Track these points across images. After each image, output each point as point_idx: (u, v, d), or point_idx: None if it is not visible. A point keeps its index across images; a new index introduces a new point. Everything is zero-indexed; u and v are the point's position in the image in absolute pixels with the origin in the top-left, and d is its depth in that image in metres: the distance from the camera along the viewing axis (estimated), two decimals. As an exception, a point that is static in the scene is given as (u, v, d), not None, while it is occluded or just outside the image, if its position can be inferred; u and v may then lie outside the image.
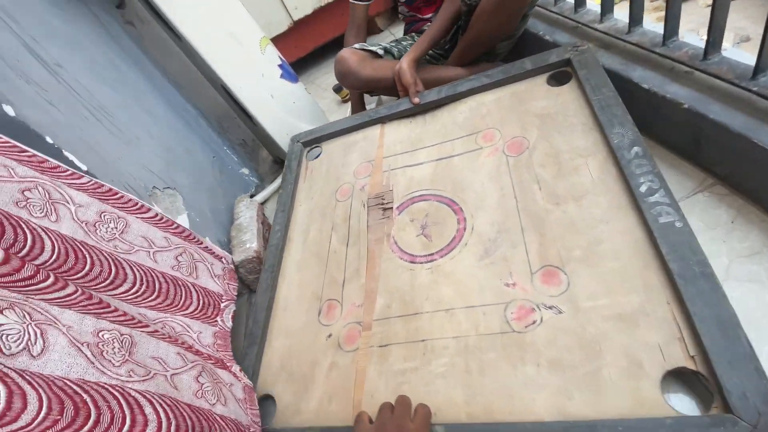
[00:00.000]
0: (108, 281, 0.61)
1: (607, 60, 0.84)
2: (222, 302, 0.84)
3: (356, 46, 1.10)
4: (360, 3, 1.17)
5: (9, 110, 0.66)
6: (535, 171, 0.76)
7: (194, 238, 0.85)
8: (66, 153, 0.72)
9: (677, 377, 0.51)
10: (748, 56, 0.65)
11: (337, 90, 1.62)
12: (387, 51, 1.10)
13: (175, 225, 0.81)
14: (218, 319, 0.80)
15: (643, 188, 0.62)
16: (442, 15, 1.00)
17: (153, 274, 0.70)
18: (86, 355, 0.48)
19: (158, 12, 0.92)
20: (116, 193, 0.72)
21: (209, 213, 1.04)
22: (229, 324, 0.82)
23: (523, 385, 0.56)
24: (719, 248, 0.61)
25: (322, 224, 0.95)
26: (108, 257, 0.63)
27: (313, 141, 1.14)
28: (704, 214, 0.66)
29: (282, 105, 1.17)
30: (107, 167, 0.80)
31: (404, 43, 1.20)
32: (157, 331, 0.60)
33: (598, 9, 0.90)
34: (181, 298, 0.73)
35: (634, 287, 0.57)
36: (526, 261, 0.67)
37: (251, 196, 1.27)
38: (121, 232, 0.69)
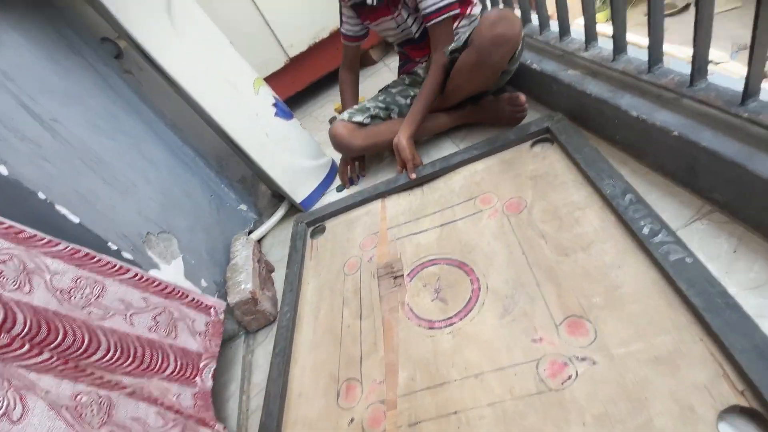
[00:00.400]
0: (81, 350, 0.60)
1: (594, 87, 0.84)
2: (201, 361, 0.81)
3: (344, 116, 1.17)
4: (350, 44, 1.27)
5: (3, 170, 0.67)
6: (538, 227, 0.78)
7: (178, 293, 0.82)
8: (58, 207, 0.71)
9: (732, 415, 0.48)
10: (735, 80, 0.63)
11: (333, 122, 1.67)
12: (374, 117, 1.17)
13: (156, 282, 0.79)
14: (197, 379, 0.78)
15: (645, 230, 0.66)
16: (431, 83, 1.03)
17: (128, 339, 0.68)
18: (66, 419, 0.48)
19: (154, 62, 0.96)
20: (93, 257, 0.70)
21: (205, 254, 1.03)
22: (209, 383, 0.79)
23: (574, 447, 0.50)
24: (723, 280, 0.56)
25: (333, 300, 0.92)
26: (81, 326, 0.62)
27: (316, 221, 1.16)
28: (704, 244, 0.63)
29: (277, 142, 1.19)
30: (101, 218, 0.78)
31: (393, 90, 1.23)
32: (135, 392, 0.59)
33: (582, 37, 0.90)
34: (157, 362, 0.71)
35: (664, 327, 0.56)
36: (548, 314, 0.65)
37: (249, 232, 1.24)
38: (97, 297, 0.68)
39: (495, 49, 0.89)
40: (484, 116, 1.10)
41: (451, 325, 0.72)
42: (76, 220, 0.73)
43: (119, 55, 1.09)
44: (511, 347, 0.64)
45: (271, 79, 1.84)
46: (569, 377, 0.57)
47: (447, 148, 1.14)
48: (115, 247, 0.77)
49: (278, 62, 1.79)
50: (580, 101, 0.88)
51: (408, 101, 1.21)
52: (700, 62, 0.65)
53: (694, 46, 0.63)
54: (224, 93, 1.07)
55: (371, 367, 0.74)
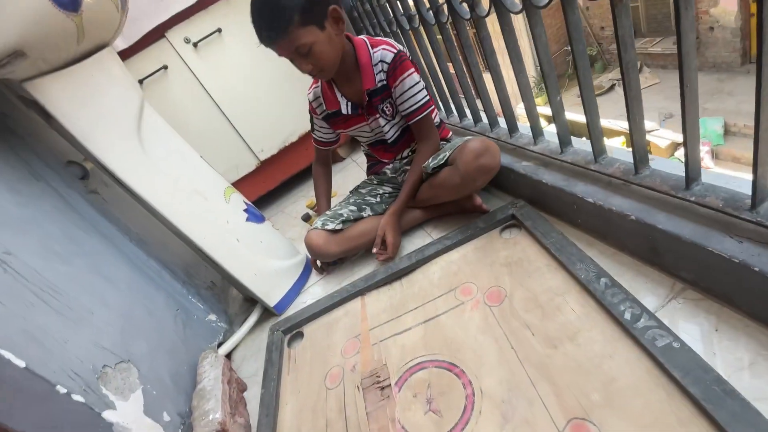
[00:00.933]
0: None
1: (549, 177, 0.89)
2: None
3: (318, 224, 1.18)
4: (323, 148, 1.32)
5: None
6: (521, 317, 0.77)
7: None
8: (2, 352, 0.63)
9: None
10: (677, 165, 0.68)
11: (305, 219, 1.64)
12: (345, 221, 1.19)
13: None
14: None
15: (627, 316, 0.65)
16: (418, 171, 1.10)
17: None
18: None
19: (123, 184, 0.96)
20: None
21: (169, 380, 0.91)
22: None
23: None
24: (712, 362, 0.56)
25: (315, 423, 0.83)
26: None
27: (292, 327, 1.09)
28: (686, 324, 0.63)
29: (248, 247, 1.16)
30: (50, 357, 0.69)
31: (363, 191, 1.28)
32: None
33: (530, 132, 0.97)
34: None
35: (669, 424, 0.53)
36: (549, 419, 0.60)
37: (219, 345, 1.15)
38: None
39: (479, 177, 0.98)
40: (453, 210, 1.15)
41: None
42: (21, 364, 0.64)
43: (85, 177, 1.08)
44: None
45: (244, 181, 1.89)
46: None
47: (421, 237, 1.16)
48: (64, 390, 0.67)
49: (250, 166, 1.86)
50: (539, 189, 0.93)
51: (378, 199, 1.25)
52: (640, 152, 0.71)
53: (632, 139, 0.70)
54: (195, 205, 1.07)
55: None
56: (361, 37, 1.07)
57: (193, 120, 1.71)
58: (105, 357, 0.80)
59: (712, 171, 0.80)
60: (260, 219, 1.26)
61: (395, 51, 1.02)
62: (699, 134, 0.63)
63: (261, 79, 1.74)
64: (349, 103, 1.10)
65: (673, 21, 0.55)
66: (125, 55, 1.53)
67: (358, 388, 0.83)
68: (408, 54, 1.06)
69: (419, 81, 1.05)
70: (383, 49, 1.03)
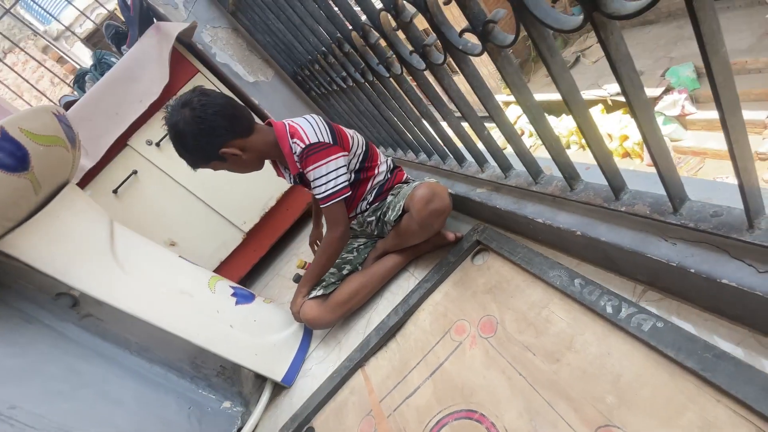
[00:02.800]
0: None
1: (501, 201, 0.94)
2: None
3: (307, 298, 1.22)
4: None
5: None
6: (518, 340, 0.78)
7: None
8: None
9: None
10: (604, 179, 0.68)
11: (296, 280, 1.65)
12: (328, 285, 1.22)
13: None
14: None
15: (609, 309, 0.67)
16: (322, 259, 1.16)
17: None
18: None
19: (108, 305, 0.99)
20: None
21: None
22: None
23: None
24: None
25: None
26: None
27: (301, 425, 1.04)
28: None
29: (244, 330, 1.17)
30: None
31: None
32: None
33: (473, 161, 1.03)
34: None
35: (681, 403, 0.55)
36: None
37: (239, 430, 1.14)
38: None
39: (433, 221, 1.02)
40: (429, 248, 1.18)
41: None
42: None
43: (76, 304, 1.13)
44: None
45: (235, 256, 1.92)
46: None
47: (406, 280, 1.18)
48: None
49: (236, 240, 1.89)
50: (496, 213, 0.97)
51: (355, 253, 1.28)
52: (568, 171, 0.74)
53: (556, 162, 0.73)
54: (183, 306, 1.09)
55: None
56: (284, 122, 1.10)
57: (173, 212, 1.77)
58: (121, 486, 0.82)
59: (639, 173, 0.81)
60: (250, 298, 1.28)
61: (304, 145, 1.04)
62: (607, 148, 0.65)
63: (227, 158, 1.81)
64: (292, 176, 1.17)
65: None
66: (95, 171, 1.60)
67: None
68: (322, 140, 1.05)
69: (326, 173, 1.05)
70: (294, 142, 1.06)
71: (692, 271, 0.55)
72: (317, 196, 1.08)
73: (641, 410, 0.57)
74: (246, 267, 1.97)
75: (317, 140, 1.05)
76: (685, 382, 0.56)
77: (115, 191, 1.65)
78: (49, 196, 0.97)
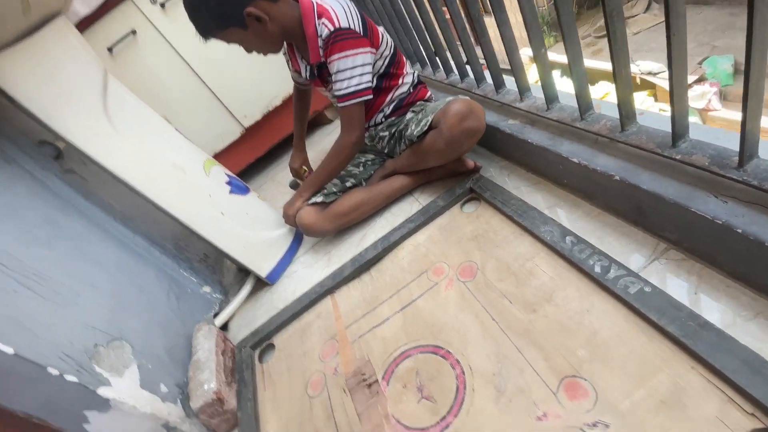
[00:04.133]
0: None
1: (534, 136, 0.87)
2: None
3: (307, 203, 1.16)
4: (296, 85, 1.31)
5: None
6: (497, 287, 0.77)
7: None
8: None
9: None
10: (665, 120, 0.64)
11: (293, 187, 1.61)
12: (328, 194, 1.17)
13: None
14: None
15: (597, 269, 0.66)
16: (329, 165, 1.10)
17: None
18: None
19: (96, 163, 0.93)
20: None
21: (164, 354, 0.93)
22: None
23: None
24: None
25: None
26: None
27: (262, 340, 1.02)
28: (666, 284, 0.62)
29: (234, 220, 1.14)
30: (39, 342, 0.70)
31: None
32: None
33: (517, 88, 0.94)
34: None
35: (655, 365, 0.55)
36: (542, 383, 0.61)
37: (215, 315, 1.16)
38: None
39: (465, 140, 0.93)
40: (444, 174, 1.11)
41: (447, 426, 0.64)
42: (10, 351, 0.65)
43: (59, 156, 1.05)
44: None
45: (229, 150, 1.84)
46: None
47: (409, 203, 1.15)
48: (56, 372, 0.69)
49: (234, 134, 1.79)
50: (524, 149, 0.90)
51: (362, 168, 1.22)
52: (626, 108, 0.67)
53: (617, 95, 0.66)
54: (174, 180, 1.04)
55: None
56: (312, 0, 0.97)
57: (170, 87, 1.64)
58: (96, 337, 0.81)
59: (702, 127, 0.75)
60: (245, 190, 1.23)
61: (332, 29, 0.93)
62: (686, 86, 0.58)
63: (238, 40, 1.65)
64: (308, 67, 1.07)
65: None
66: (89, 21, 1.44)
67: (344, 390, 0.79)
68: (353, 28, 0.94)
69: (352, 66, 0.95)
70: (322, 23, 0.94)
71: (739, 231, 0.52)
72: (336, 92, 0.98)
73: (612, 366, 0.58)
74: (240, 165, 1.90)
75: (348, 26, 0.93)
76: (662, 346, 0.56)
77: (110, 49, 1.50)
78: (39, 23, 0.85)
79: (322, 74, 1.07)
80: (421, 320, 0.81)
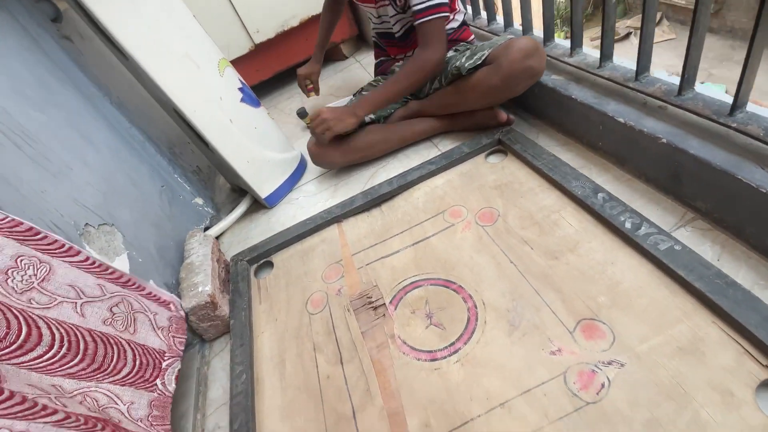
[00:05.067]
0: (15, 346, 0.48)
1: (579, 93, 0.84)
2: (164, 360, 0.70)
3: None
4: None
5: None
6: (518, 234, 0.76)
7: (135, 284, 0.71)
8: None
9: (765, 389, 0.49)
10: (721, 93, 0.66)
11: (301, 115, 1.53)
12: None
13: (111, 270, 0.67)
14: (158, 382, 0.67)
15: (627, 225, 0.67)
16: (407, 80, 0.97)
17: (78, 333, 0.56)
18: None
19: (102, 29, 0.83)
20: (38, 233, 0.58)
21: (155, 251, 0.89)
22: (172, 387, 0.69)
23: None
24: None
25: (301, 348, 0.76)
26: (19, 315, 0.50)
27: (259, 257, 0.99)
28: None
29: (242, 130, 1.06)
30: (26, 203, 0.64)
31: (365, 94, 1.15)
32: (68, 417, 0.48)
33: (567, 43, 0.91)
34: (111, 361, 0.60)
35: (675, 317, 0.57)
36: (558, 322, 0.62)
37: (205, 229, 1.11)
38: (42, 281, 0.56)
39: (523, 80, 0.89)
40: (471, 125, 1.06)
41: (456, 351, 0.64)
42: None
43: (57, 19, 0.93)
44: (532, 365, 0.58)
45: (235, 64, 1.68)
46: (602, 385, 0.54)
47: (427, 149, 1.11)
48: (45, 238, 0.64)
49: (242, 47, 1.66)
50: (565, 106, 0.88)
51: None
52: (689, 72, 0.66)
53: (687, 54, 0.65)
54: (185, 72, 0.94)
55: (370, 421, 0.61)
56: None
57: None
58: (87, 216, 0.75)
59: (756, 107, 0.76)
60: (256, 103, 1.15)
61: None
62: (759, 61, 0.58)
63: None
64: None
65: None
66: None
67: (348, 309, 0.78)
68: None
69: None
70: None
71: (781, 200, 0.53)
72: (417, 6, 0.91)
73: (632, 314, 0.59)
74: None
75: None
76: (685, 300, 0.58)
77: None
78: None
79: None
80: (434, 256, 0.80)
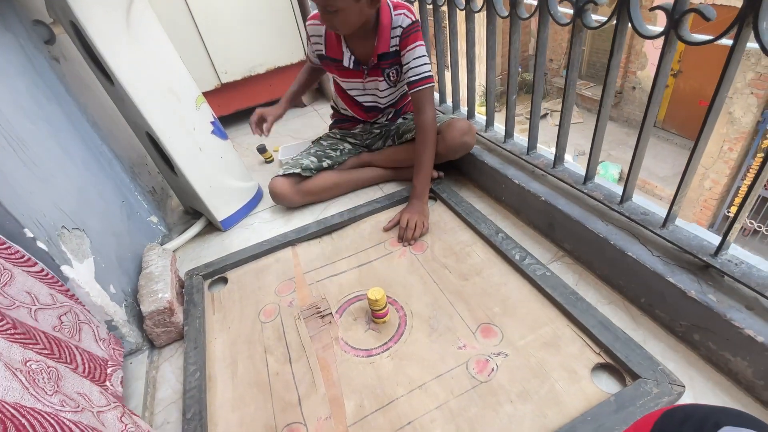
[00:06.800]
0: None
1: (490, 159, 1.12)
2: (108, 367, 0.75)
3: (280, 172, 1.25)
4: (310, 63, 1.33)
5: None
6: (441, 261, 0.98)
7: (78, 300, 0.77)
8: None
9: (597, 369, 0.71)
10: (581, 168, 0.94)
11: (260, 150, 1.63)
12: (305, 168, 1.25)
13: (60, 283, 0.74)
14: (107, 383, 0.72)
15: (517, 257, 0.91)
16: (430, 151, 1.10)
17: (35, 333, 0.61)
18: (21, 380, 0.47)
19: (96, 56, 0.94)
20: (3, 243, 0.64)
21: (115, 259, 0.95)
22: (120, 389, 0.74)
23: (509, 422, 0.65)
24: None
25: (252, 351, 0.86)
26: None
27: (215, 272, 1.08)
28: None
29: (209, 159, 1.18)
30: (20, 201, 0.72)
31: (324, 143, 1.34)
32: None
33: (483, 120, 1.20)
34: (66, 357, 0.65)
35: (544, 321, 0.79)
36: (465, 325, 0.82)
37: (161, 245, 1.16)
38: (4, 285, 0.61)
39: (460, 151, 1.15)
40: (410, 175, 1.19)
41: (388, 349, 0.80)
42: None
43: (50, 40, 1.02)
44: (444, 357, 0.77)
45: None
46: (492, 369, 0.73)
47: (374, 191, 1.32)
48: (31, 235, 0.70)
49: (210, 83, 1.80)
50: (480, 168, 1.15)
51: (338, 153, 1.32)
52: (560, 152, 0.95)
53: (557, 141, 0.93)
54: (166, 103, 1.07)
55: (313, 405, 0.73)
56: None
57: (164, 21, 1.60)
58: (63, 219, 0.82)
59: (600, 179, 1.07)
60: (224, 136, 1.29)
61: (413, 19, 1.05)
62: (600, 150, 0.87)
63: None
64: (353, 58, 1.12)
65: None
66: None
67: (298, 317, 0.90)
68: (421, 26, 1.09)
69: (425, 54, 1.08)
70: (403, 14, 1.05)
71: (612, 243, 0.79)
72: (418, 76, 1.07)
73: (516, 320, 0.81)
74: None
75: (418, 19, 1.07)
76: (550, 311, 0.81)
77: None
78: None
79: (379, 64, 1.12)
80: (375, 276, 0.97)
